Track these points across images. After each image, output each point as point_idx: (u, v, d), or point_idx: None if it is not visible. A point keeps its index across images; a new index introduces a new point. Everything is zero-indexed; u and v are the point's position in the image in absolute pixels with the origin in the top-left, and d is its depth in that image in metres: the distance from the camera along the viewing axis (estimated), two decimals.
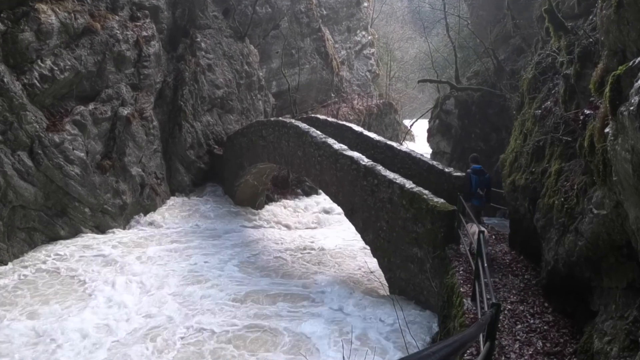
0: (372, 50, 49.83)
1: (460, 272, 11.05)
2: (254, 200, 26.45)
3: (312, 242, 21.89)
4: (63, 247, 18.09)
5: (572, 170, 8.71)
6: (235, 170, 25.56)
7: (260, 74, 32.20)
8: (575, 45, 9.40)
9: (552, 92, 11.00)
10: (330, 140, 18.34)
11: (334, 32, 43.93)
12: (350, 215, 16.90)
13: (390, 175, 15.03)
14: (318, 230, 24.60)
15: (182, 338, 12.39)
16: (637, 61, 5.41)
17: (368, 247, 16.34)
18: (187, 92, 26.04)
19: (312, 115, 29.22)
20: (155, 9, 25.43)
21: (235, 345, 12.16)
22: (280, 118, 26.32)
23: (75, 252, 17.77)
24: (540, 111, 10.99)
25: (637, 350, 5.58)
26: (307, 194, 29.95)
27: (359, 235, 16.78)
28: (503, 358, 7.27)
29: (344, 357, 10.71)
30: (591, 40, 8.79)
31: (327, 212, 27.02)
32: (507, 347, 7.53)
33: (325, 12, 42.84)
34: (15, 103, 17.47)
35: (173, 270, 16.95)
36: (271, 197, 28.15)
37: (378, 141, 19.89)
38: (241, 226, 23.53)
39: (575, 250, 7.52)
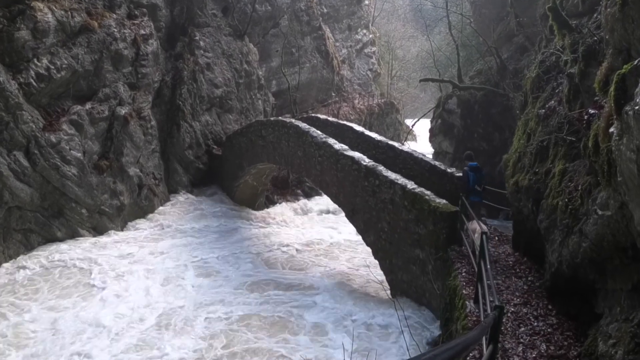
0: (374, 48, 49.69)
1: (463, 274, 11.04)
2: (254, 201, 26.38)
3: (314, 240, 22.02)
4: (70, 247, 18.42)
5: (576, 171, 8.66)
6: (234, 170, 25.50)
7: (260, 73, 32.07)
8: (579, 43, 9.32)
9: (556, 91, 10.95)
10: (331, 140, 18.34)
11: (334, 31, 43.77)
12: (351, 216, 16.92)
13: (392, 175, 15.00)
14: (318, 230, 24.46)
15: (205, 319, 13.71)
16: None
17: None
18: (185, 92, 25.87)
19: (313, 114, 29.19)
20: (153, 7, 25.31)
21: (250, 328, 13.34)
22: (280, 118, 26.24)
23: (84, 250, 18.26)
24: (544, 111, 10.94)
25: None
26: (308, 194, 29.77)
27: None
28: None
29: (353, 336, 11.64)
30: (596, 38, 8.71)
31: (327, 212, 26.82)
32: (510, 350, 7.48)
33: (325, 10, 42.67)
34: (11, 102, 17.34)
35: (185, 264, 17.89)
36: (271, 198, 28.06)
37: (379, 141, 19.84)
38: (242, 225, 23.42)
39: (579, 251, 7.49)
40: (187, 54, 26.84)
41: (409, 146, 21.77)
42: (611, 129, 5.78)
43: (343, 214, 18.09)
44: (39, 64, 18.55)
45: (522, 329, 8.21)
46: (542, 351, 7.47)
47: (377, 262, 15.74)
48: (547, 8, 11.44)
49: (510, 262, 11.58)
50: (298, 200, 29.08)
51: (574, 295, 8.22)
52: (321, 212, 27.24)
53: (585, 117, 8.22)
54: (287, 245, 20.96)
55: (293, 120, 22.26)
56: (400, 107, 48.90)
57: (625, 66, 5.68)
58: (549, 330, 8.14)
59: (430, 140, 29.45)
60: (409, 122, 48.63)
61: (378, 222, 15.27)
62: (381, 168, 15.55)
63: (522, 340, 7.83)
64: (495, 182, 17.93)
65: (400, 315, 11.07)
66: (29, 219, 17.87)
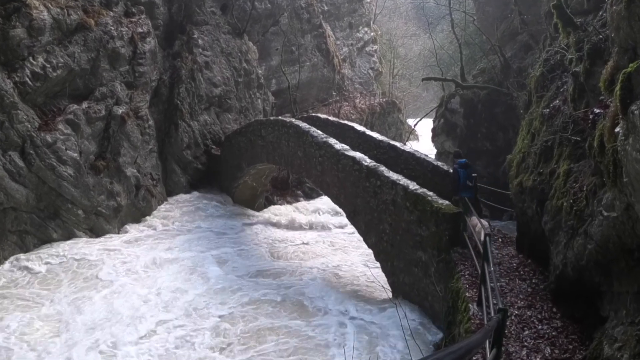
0: (375, 47, 49.54)
1: (466, 276, 10.99)
2: (253, 201, 26.31)
3: (314, 241, 22.12)
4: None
5: (581, 171, 8.61)
6: (233, 171, 25.45)
7: (260, 71, 31.92)
8: (584, 42, 9.26)
9: (561, 90, 10.86)
10: (332, 140, 18.31)
11: (335, 29, 43.62)
12: (352, 217, 16.91)
13: (394, 176, 14.95)
14: (318, 229, 24.45)
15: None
16: None
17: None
18: (183, 91, 25.70)
19: (313, 114, 29.08)
20: (150, 4, 25.19)
21: (263, 312, 14.43)
22: (280, 117, 26.09)
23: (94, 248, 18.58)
24: (548, 110, 10.87)
25: None
26: (308, 195, 29.62)
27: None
28: None
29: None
30: (601, 36, 8.60)
31: (327, 213, 26.68)
32: (514, 354, 7.45)
33: (326, 8, 42.49)
34: (6, 102, 17.24)
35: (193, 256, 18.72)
36: (271, 199, 27.94)
37: (381, 141, 19.81)
38: (242, 225, 23.37)
39: (584, 253, 7.47)
40: (186, 53, 26.66)
41: (411, 146, 22.01)
42: (617, 129, 5.81)
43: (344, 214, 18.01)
44: (34, 62, 18.41)
45: (526, 332, 8.16)
46: (547, 355, 7.43)
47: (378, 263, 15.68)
48: (551, 5, 11.33)
49: (514, 264, 11.45)
50: (298, 201, 28.96)
51: (579, 298, 8.16)
52: (322, 212, 27.03)
53: (591, 116, 8.17)
54: (287, 246, 21.01)
55: (293, 120, 22.22)
56: (402, 106, 48.72)
57: (631, 65, 5.71)
58: (553, 333, 8.09)
59: (433, 140, 29.33)
60: (411, 121, 48.42)
61: (379, 224, 15.20)
62: (383, 168, 15.48)
63: (526, 343, 7.77)
64: (499, 182, 17.86)
65: (402, 318, 10.99)
66: (24, 220, 17.73)
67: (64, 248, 17.95)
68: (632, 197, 5.53)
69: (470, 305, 9.36)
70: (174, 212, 23.42)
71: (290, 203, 28.33)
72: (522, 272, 10.93)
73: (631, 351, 5.81)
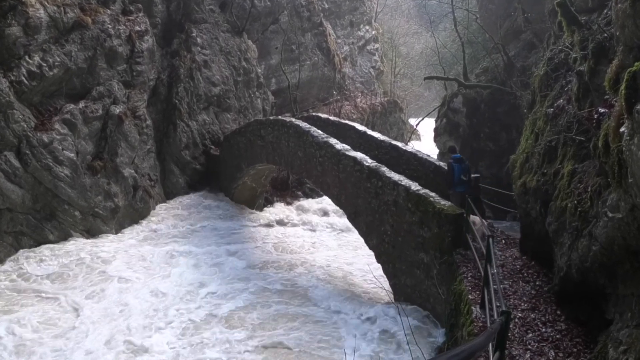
0: (376, 45, 49.55)
1: (469, 278, 10.93)
2: (252, 202, 26.22)
3: (314, 239, 22.38)
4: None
5: (585, 172, 8.59)
6: (232, 171, 25.37)
7: (259, 70, 31.88)
8: (589, 40, 9.25)
9: (565, 89, 10.85)
10: (332, 140, 18.23)
11: (336, 27, 43.60)
12: (353, 218, 16.84)
13: (395, 176, 14.88)
14: (318, 229, 24.45)
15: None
16: None
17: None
18: (182, 90, 25.59)
19: (313, 114, 28.92)
20: (148, 2, 25.20)
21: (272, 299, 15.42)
22: (279, 117, 25.95)
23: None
24: (552, 110, 10.90)
25: None
26: (308, 196, 29.48)
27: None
28: None
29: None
30: (606, 35, 8.67)
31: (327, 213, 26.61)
32: (517, 357, 7.43)
33: (327, 6, 42.47)
34: (1, 101, 17.25)
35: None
36: (270, 200, 27.83)
37: (382, 141, 19.73)
38: (242, 226, 23.30)
39: (589, 255, 7.47)
40: (184, 51, 26.57)
41: (412, 146, 22.13)
42: (622, 129, 5.81)
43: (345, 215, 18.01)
44: (30, 61, 18.37)
45: (530, 335, 8.14)
46: (551, 358, 7.43)
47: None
48: (555, 4, 11.30)
49: (518, 266, 11.44)
50: (298, 201, 28.81)
51: (584, 301, 8.17)
52: (322, 213, 26.93)
53: (595, 116, 8.14)
54: (286, 244, 21.11)
55: (293, 120, 22.14)
56: (403, 105, 48.68)
57: (636, 64, 5.68)
58: (557, 336, 8.09)
59: (435, 140, 29.24)
60: (412, 121, 48.41)
61: (381, 225, 15.12)
62: (384, 169, 15.41)
63: (529, 346, 7.74)
64: (502, 183, 17.76)
65: (404, 320, 10.98)
66: (20, 222, 17.66)
67: (64, 249, 18.01)
68: (638, 198, 5.53)
69: (473, 307, 9.32)
70: (172, 213, 23.31)
71: (290, 204, 28.21)
72: (525, 274, 10.90)
73: (636, 354, 5.77)
